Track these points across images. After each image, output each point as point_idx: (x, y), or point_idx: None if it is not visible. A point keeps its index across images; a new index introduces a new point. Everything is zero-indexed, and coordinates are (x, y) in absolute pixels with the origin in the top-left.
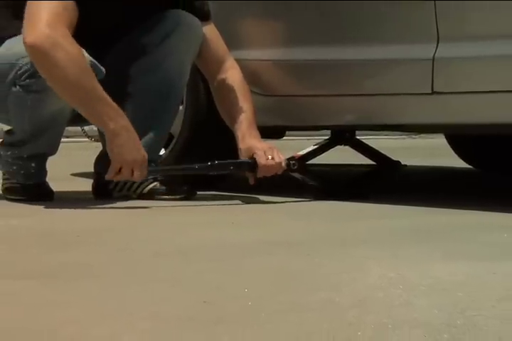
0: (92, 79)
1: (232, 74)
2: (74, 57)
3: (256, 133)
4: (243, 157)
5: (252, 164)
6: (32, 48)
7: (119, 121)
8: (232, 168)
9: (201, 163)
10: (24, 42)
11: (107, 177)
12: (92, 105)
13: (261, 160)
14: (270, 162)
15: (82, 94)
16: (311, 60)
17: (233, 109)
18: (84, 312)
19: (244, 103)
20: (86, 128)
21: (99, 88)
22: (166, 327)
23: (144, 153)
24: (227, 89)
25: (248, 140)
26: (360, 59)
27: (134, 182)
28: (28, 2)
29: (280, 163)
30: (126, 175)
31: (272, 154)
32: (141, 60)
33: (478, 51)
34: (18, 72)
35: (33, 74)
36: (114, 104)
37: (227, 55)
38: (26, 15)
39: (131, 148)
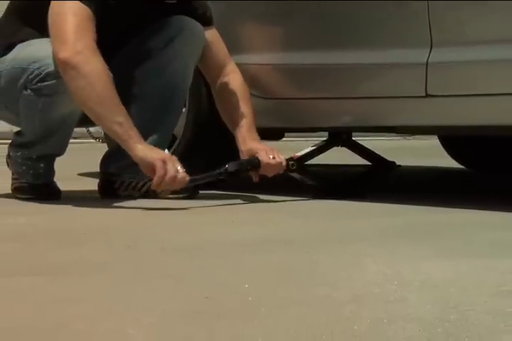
0: (115, 93)
1: (233, 78)
2: (101, 73)
3: (256, 135)
4: (244, 157)
5: (258, 161)
6: (64, 63)
7: (135, 132)
8: (247, 166)
9: (210, 169)
10: (56, 58)
11: (156, 183)
12: (113, 117)
13: (264, 159)
14: (273, 161)
15: (104, 106)
16: (308, 64)
17: (234, 113)
18: (92, 307)
19: (245, 106)
20: (92, 129)
21: (120, 102)
22: (169, 322)
23: (171, 156)
24: (228, 93)
25: (249, 142)
26: (356, 63)
27: (138, 182)
28: (50, 14)
29: (281, 163)
30: (172, 170)
31: (273, 154)
32: (145, 63)
33: (469, 56)
34: (30, 77)
35: (44, 78)
36: (129, 117)
37: (229, 59)
38: (53, 29)
39: (159, 151)
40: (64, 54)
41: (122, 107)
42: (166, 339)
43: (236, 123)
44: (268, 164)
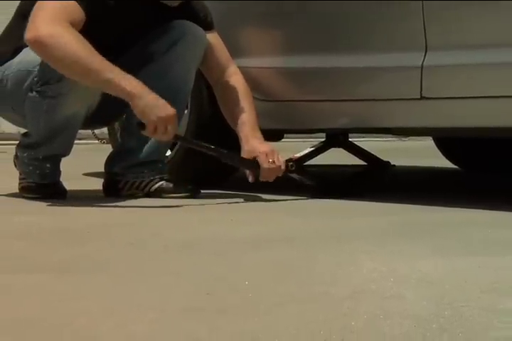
0: (96, 54)
1: (235, 80)
2: (73, 39)
3: (259, 134)
4: (246, 157)
5: (255, 165)
6: (32, 43)
7: (133, 83)
8: (239, 161)
9: (212, 169)
10: (26, 41)
11: (147, 133)
12: (102, 78)
13: (264, 164)
14: (272, 165)
15: (89, 71)
16: (307, 67)
17: (237, 112)
18: (95, 304)
19: (247, 106)
20: (96, 131)
21: (106, 61)
22: (171, 318)
23: (172, 108)
24: (231, 94)
25: (251, 141)
26: (353, 67)
27: (142, 181)
28: (34, 7)
29: (280, 167)
30: (161, 130)
31: (273, 157)
32: (149, 66)
33: (463, 59)
34: (35, 79)
35: (49, 80)
36: (123, 72)
37: (230, 62)
38: (32, 14)
39: (160, 105)
40: (30, 34)
41: (106, 63)
42: (168, 335)
43: (239, 123)
44: (267, 169)
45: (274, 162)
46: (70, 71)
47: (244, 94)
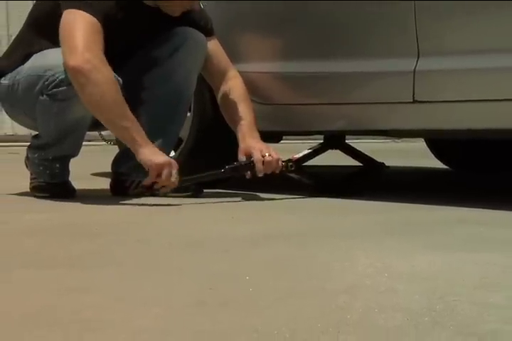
0: (122, 99)
1: (235, 83)
2: (110, 80)
3: (256, 134)
4: (241, 155)
5: (253, 165)
6: (74, 71)
7: (143, 135)
8: (239, 169)
9: (213, 169)
10: (66, 66)
11: (146, 182)
12: (122, 122)
13: (257, 157)
14: (266, 158)
15: (113, 112)
16: (305, 72)
17: (236, 114)
18: (103, 297)
19: (245, 108)
20: (103, 133)
21: (127, 107)
22: (176, 312)
23: (172, 161)
24: (230, 97)
25: (247, 140)
26: (349, 71)
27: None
28: (61, 23)
29: (276, 160)
30: (167, 175)
31: (269, 152)
32: (153, 71)
33: (454, 64)
34: (45, 83)
35: (58, 84)
36: (138, 124)
37: (230, 66)
38: (62, 39)
39: (161, 155)
40: (74, 62)
41: (129, 112)
42: (172, 328)
43: (237, 123)
44: (261, 162)
45: (270, 155)
46: (95, 106)
47: (243, 97)
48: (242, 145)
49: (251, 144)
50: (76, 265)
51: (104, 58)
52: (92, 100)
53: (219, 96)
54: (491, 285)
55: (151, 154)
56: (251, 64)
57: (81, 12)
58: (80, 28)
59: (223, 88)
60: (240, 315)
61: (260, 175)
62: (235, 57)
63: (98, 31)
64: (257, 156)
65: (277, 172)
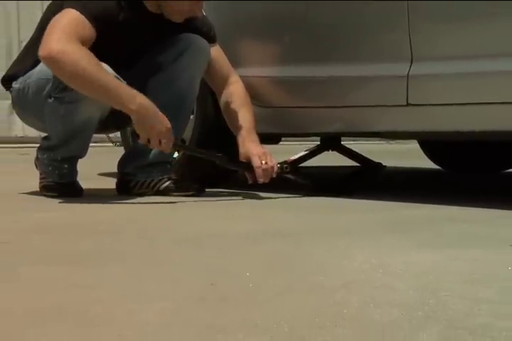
0: (103, 72)
1: (235, 88)
2: (82, 57)
3: (255, 137)
4: (242, 159)
5: (249, 167)
6: (45, 60)
7: (136, 100)
8: (233, 163)
9: (214, 169)
10: (40, 57)
11: (141, 141)
12: (110, 93)
13: (256, 164)
14: (264, 166)
15: (98, 86)
16: (303, 76)
17: (236, 118)
18: (110, 293)
19: (246, 112)
20: (111, 135)
21: (112, 77)
22: (178, 306)
23: (167, 124)
24: (231, 101)
25: (247, 144)
26: (345, 76)
27: (151, 181)
28: (48, 25)
29: (272, 167)
30: (154, 144)
31: (266, 159)
32: (158, 75)
33: (445, 69)
34: (53, 86)
35: (66, 87)
36: (129, 87)
37: (232, 71)
38: (46, 32)
39: (155, 121)
40: (43, 51)
41: (118, 82)
42: (175, 321)
43: (238, 128)
44: (260, 169)
45: (266, 163)
46: (79, 85)
47: (243, 101)
48: (241, 150)
49: (250, 149)
50: (83, 262)
51: (77, 43)
52: (73, 82)
53: (221, 100)
54: (481, 281)
55: (144, 122)
56: (251, 69)
57: (71, 10)
58: (61, 22)
59: (225, 93)
60: (240, 310)
61: (260, 181)
62: (236, 62)
63: (80, 27)
64: (256, 163)
65: (274, 176)
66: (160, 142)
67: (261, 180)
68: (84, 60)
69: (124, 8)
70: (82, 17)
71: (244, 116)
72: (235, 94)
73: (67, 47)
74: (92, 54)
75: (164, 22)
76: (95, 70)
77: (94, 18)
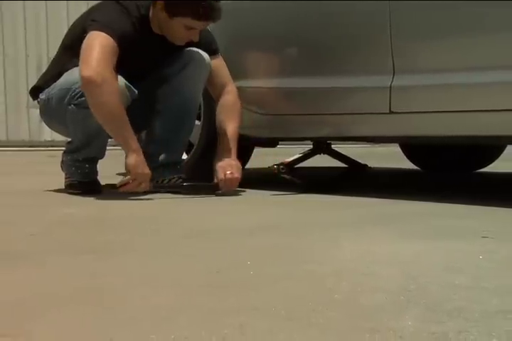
0: (123, 111)
1: (228, 99)
2: (115, 92)
3: (230, 150)
4: (214, 172)
5: (215, 185)
6: (87, 80)
7: (136, 143)
8: (200, 189)
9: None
10: (81, 76)
11: (119, 184)
12: (120, 129)
13: (219, 177)
14: (227, 176)
15: (114, 120)
16: (298, 87)
17: (221, 128)
18: (124, 279)
19: (230, 124)
20: None
21: (127, 118)
22: (187, 292)
23: (149, 171)
24: (222, 109)
25: (220, 154)
26: (334, 87)
27: (163, 180)
28: (82, 45)
29: (237, 178)
30: (134, 186)
31: (231, 170)
32: (164, 86)
33: (424, 81)
34: (72, 94)
35: (82, 95)
36: (132, 132)
37: (230, 82)
38: (81, 55)
39: (143, 165)
40: (87, 73)
41: (127, 122)
42: (184, 305)
43: (220, 133)
44: (222, 181)
45: (230, 173)
46: (99, 113)
47: (230, 113)
48: (216, 159)
49: (220, 163)
50: (103, 252)
51: (115, 74)
52: (97, 107)
53: (217, 106)
54: (457, 269)
55: (136, 162)
56: (251, 80)
57: (101, 33)
58: (97, 47)
59: (220, 100)
60: (242, 295)
61: (221, 191)
62: (238, 74)
63: (113, 52)
64: (219, 175)
65: (235, 187)
66: (138, 184)
67: (222, 190)
68: (115, 96)
69: (137, 29)
70: (112, 41)
71: (228, 127)
72: (224, 105)
73: (108, 75)
74: (120, 89)
75: (168, 41)
76: (121, 112)
77: (118, 38)
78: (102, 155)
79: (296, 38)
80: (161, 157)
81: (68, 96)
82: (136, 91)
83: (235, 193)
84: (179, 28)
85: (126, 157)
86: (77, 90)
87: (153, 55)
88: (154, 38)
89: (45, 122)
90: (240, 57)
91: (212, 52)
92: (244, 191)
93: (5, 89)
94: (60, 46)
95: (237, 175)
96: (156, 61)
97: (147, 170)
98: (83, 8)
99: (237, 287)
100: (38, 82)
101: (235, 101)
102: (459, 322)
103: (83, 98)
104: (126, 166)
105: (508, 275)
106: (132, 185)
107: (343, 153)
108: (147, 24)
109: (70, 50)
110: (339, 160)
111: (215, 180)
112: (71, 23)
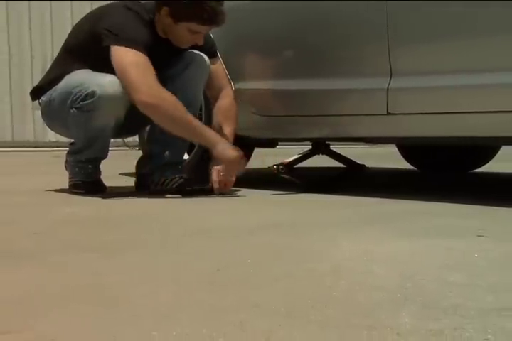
0: (190, 116)
1: (225, 101)
2: (174, 105)
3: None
4: (211, 166)
5: (210, 188)
6: (143, 106)
7: (213, 134)
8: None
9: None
10: (136, 102)
11: (217, 191)
12: (194, 132)
13: (213, 178)
14: (221, 178)
15: (188, 128)
16: (298, 89)
17: (217, 131)
18: (127, 277)
19: (226, 126)
20: (125, 139)
21: (194, 119)
22: (189, 289)
23: (238, 152)
24: (217, 113)
25: (213, 162)
26: (334, 89)
27: (165, 179)
28: (114, 62)
29: (231, 181)
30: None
31: (225, 172)
32: (168, 86)
33: (420, 83)
34: (74, 98)
35: (84, 98)
36: (205, 127)
37: (227, 84)
38: (121, 78)
39: (232, 149)
40: (140, 98)
41: (196, 121)
42: (186, 302)
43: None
44: (215, 183)
45: (224, 176)
46: (172, 127)
47: (227, 115)
48: (212, 162)
49: (215, 163)
50: (106, 250)
51: (161, 86)
52: (167, 124)
53: (213, 108)
54: (452, 267)
55: (223, 150)
56: (251, 82)
57: (129, 50)
58: (133, 69)
59: (218, 103)
60: (243, 293)
61: (216, 193)
62: (238, 76)
63: (148, 66)
64: (213, 177)
65: (227, 189)
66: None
67: (217, 192)
68: (177, 105)
69: (151, 35)
70: (143, 56)
71: (225, 130)
72: (221, 107)
73: (161, 93)
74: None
75: (172, 44)
76: (189, 118)
77: (145, 49)
78: (105, 156)
79: (295, 40)
80: (163, 157)
81: (70, 100)
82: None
83: (235, 193)
84: (184, 33)
85: (214, 151)
86: (78, 94)
87: (160, 58)
88: (160, 41)
89: (46, 124)
90: (240, 59)
91: (212, 55)
92: (243, 190)
93: (10, 89)
94: (63, 47)
95: (231, 178)
96: (161, 64)
97: (236, 152)
98: (87, 8)
99: (237, 285)
100: (39, 82)
101: (232, 104)
102: (454, 319)
103: (85, 101)
104: (219, 157)
105: (502, 274)
106: (233, 172)
107: (341, 153)
108: (155, 28)
109: (73, 53)
110: (337, 160)
111: (210, 183)
112: (74, 23)
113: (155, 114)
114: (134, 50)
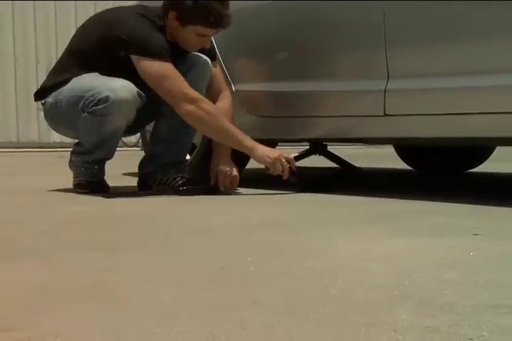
0: (231, 125)
1: (222, 104)
2: (216, 115)
3: (226, 151)
4: (212, 169)
5: (214, 187)
6: (190, 117)
7: (249, 140)
8: (200, 191)
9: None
10: (182, 114)
11: (273, 173)
12: (234, 139)
13: (220, 176)
14: (227, 175)
15: (230, 135)
16: (297, 91)
17: None
18: (130, 275)
19: None
20: (124, 139)
21: (232, 126)
22: (190, 287)
23: (277, 151)
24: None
25: (217, 157)
26: (332, 90)
27: (167, 179)
28: (147, 78)
29: (237, 177)
30: (284, 164)
31: (230, 170)
32: None
33: (417, 85)
34: (86, 102)
35: (97, 103)
36: (242, 133)
37: (224, 87)
38: (159, 92)
39: (269, 151)
40: (186, 110)
41: (234, 128)
42: (188, 300)
43: (214, 143)
44: (222, 180)
45: (230, 172)
46: (214, 135)
47: (226, 116)
48: (212, 161)
49: (219, 163)
50: (110, 249)
51: (196, 93)
52: (209, 133)
53: None
54: (449, 265)
55: (263, 152)
56: (250, 84)
57: (155, 63)
58: (167, 82)
59: (216, 104)
60: (243, 290)
61: (221, 189)
62: (236, 78)
63: (177, 74)
64: (220, 176)
65: (234, 186)
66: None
67: (222, 189)
68: (216, 114)
69: (166, 40)
70: (171, 66)
71: None
72: (220, 109)
73: (201, 103)
74: (216, 107)
75: (179, 46)
76: (232, 127)
77: (168, 57)
78: (111, 156)
79: (294, 42)
80: (165, 156)
81: (81, 104)
82: (145, 97)
83: (235, 192)
84: (191, 36)
85: (252, 156)
86: (91, 99)
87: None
88: (170, 45)
89: (49, 124)
90: (239, 61)
91: (212, 58)
92: (243, 190)
93: (15, 89)
94: (67, 49)
95: (236, 174)
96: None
97: (277, 152)
98: (90, 8)
99: (238, 283)
100: (44, 83)
101: (230, 106)
102: (450, 316)
103: (98, 106)
104: (260, 162)
105: (498, 271)
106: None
107: (338, 154)
108: (165, 33)
109: (79, 57)
110: (333, 161)
111: (212, 183)
112: (78, 23)
113: (199, 125)
114: (160, 62)
